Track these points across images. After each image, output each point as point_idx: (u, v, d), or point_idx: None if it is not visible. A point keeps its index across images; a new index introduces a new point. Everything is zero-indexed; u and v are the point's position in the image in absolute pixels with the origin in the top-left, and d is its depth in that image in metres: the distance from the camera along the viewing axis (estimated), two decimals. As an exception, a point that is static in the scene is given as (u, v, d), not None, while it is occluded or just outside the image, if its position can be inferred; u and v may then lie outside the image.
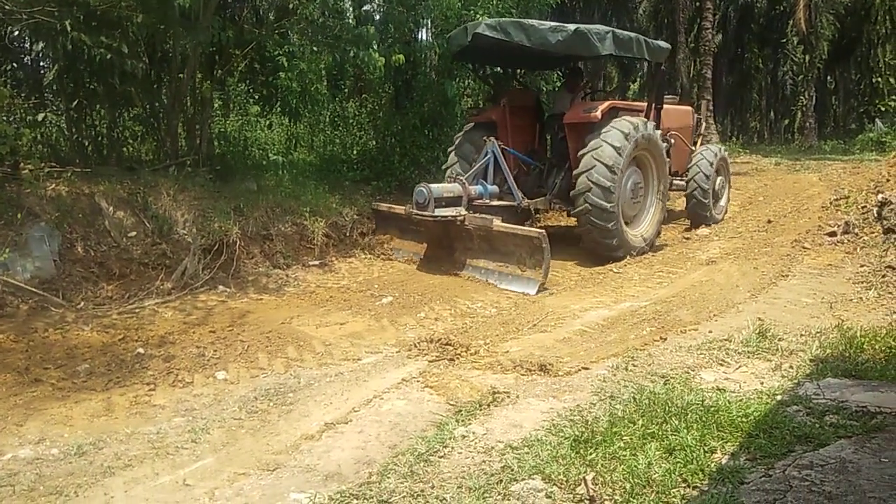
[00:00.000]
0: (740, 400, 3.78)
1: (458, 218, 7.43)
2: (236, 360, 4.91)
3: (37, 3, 6.33)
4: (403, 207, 8.14)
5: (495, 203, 8.27)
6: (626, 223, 8.33)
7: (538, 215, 10.29)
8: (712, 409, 3.62)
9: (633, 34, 8.72)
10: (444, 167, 9.19)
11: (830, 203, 9.49)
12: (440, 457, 3.36)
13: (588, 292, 6.83)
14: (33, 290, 5.85)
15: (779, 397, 3.82)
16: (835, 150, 21.07)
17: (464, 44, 8.26)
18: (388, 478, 3.16)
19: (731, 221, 10.33)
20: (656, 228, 8.78)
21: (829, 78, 33.79)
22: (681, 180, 10.02)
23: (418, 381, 4.45)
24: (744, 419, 3.49)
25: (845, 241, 7.54)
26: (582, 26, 8.00)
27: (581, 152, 7.94)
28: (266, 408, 4.08)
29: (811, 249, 7.61)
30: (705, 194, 9.91)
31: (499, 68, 10.79)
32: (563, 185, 8.64)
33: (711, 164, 10.02)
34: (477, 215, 7.54)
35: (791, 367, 4.35)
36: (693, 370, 4.37)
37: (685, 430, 3.38)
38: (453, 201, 7.73)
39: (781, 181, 13.80)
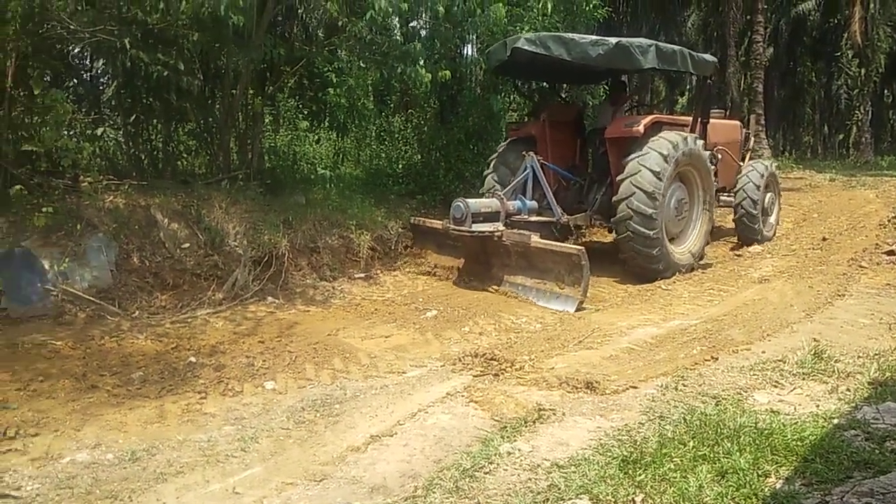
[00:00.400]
0: (795, 423, 3.66)
1: (496, 233, 7.36)
2: (284, 371, 4.99)
3: (98, 23, 6.61)
4: (441, 222, 8.10)
5: (534, 219, 8.20)
6: (671, 240, 8.16)
7: (583, 231, 10.20)
8: (766, 431, 3.51)
9: (677, 47, 8.57)
10: (483, 183, 9.15)
11: (888, 220, 9.19)
12: (485, 473, 3.34)
13: (635, 309, 6.73)
14: (91, 298, 6.06)
15: (836, 421, 3.68)
16: (892, 166, 20.41)
17: (503, 59, 8.20)
18: (434, 492, 3.15)
19: (784, 239, 10.06)
20: (703, 242, 8.60)
21: (885, 92, 32.80)
22: (729, 196, 9.78)
23: (463, 396, 4.44)
24: (799, 443, 3.37)
25: (905, 260, 7.29)
26: (624, 39, 7.89)
27: (619, 177, 7.77)
28: (313, 418, 4.13)
29: (868, 268, 7.37)
30: (754, 210, 9.57)
31: (544, 83, 10.78)
32: (603, 201, 8.47)
33: (761, 179, 9.70)
34: (515, 231, 7.45)
35: (848, 389, 4.20)
36: (746, 391, 4.26)
37: (738, 453, 3.28)
38: (491, 216, 7.66)
39: (836, 197, 13.40)
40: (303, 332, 5.97)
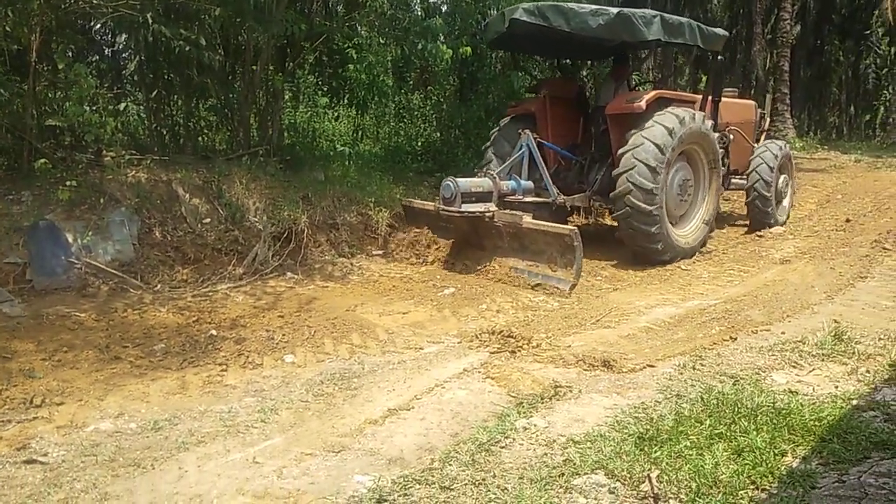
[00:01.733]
0: (813, 403, 3.65)
1: (487, 214, 7.06)
2: (303, 345, 5.05)
3: (120, -3, 6.62)
4: (434, 204, 7.74)
5: (528, 199, 7.87)
6: (673, 223, 7.83)
7: (591, 212, 9.95)
8: (783, 411, 3.51)
9: (684, 19, 8.17)
10: (481, 163, 8.74)
11: (915, 202, 9.04)
12: (501, 447, 3.37)
13: (654, 289, 6.71)
14: (114, 271, 6.15)
15: (854, 402, 3.67)
16: (920, 148, 19.97)
17: (501, 30, 7.84)
18: (450, 465, 3.19)
19: (806, 220, 9.94)
20: (704, 232, 8.21)
21: (915, 71, 31.95)
22: (741, 178, 9.46)
23: (479, 372, 4.47)
24: (817, 423, 3.37)
25: (930, 242, 7.18)
26: (626, 10, 7.53)
27: (621, 150, 7.44)
28: (332, 392, 4.18)
29: (892, 250, 7.29)
30: (767, 193, 9.22)
31: (560, 59, 10.45)
32: (604, 181, 8.06)
33: (774, 161, 9.31)
34: (507, 211, 7.15)
35: (868, 371, 4.17)
36: (764, 371, 4.25)
37: (754, 432, 3.28)
38: (483, 197, 7.30)
39: (861, 179, 13.18)
40: (321, 307, 6.02)
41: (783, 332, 5.04)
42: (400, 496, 2.93)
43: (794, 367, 4.34)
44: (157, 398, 4.09)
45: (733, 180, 9.48)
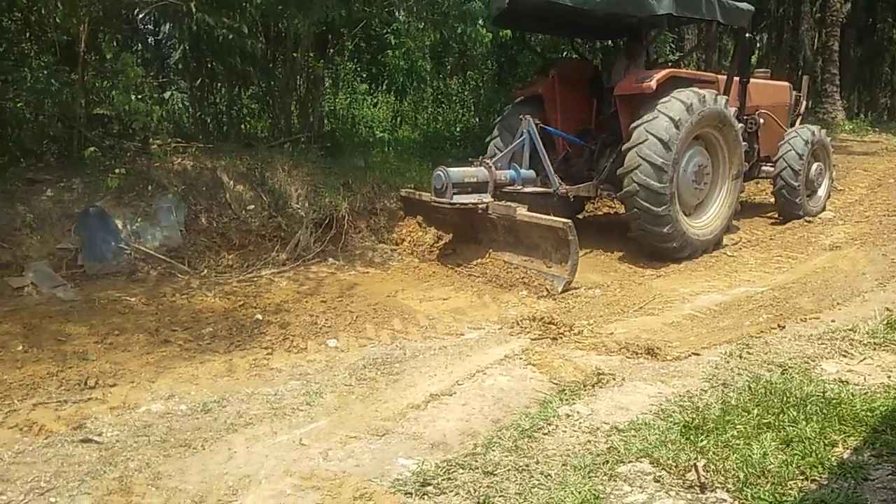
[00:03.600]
0: (865, 393, 3.57)
1: (480, 206, 6.61)
2: (346, 330, 5.11)
3: (165, -14, 6.73)
4: (430, 194, 7.16)
5: (527, 190, 7.24)
6: (688, 214, 7.27)
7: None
8: (834, 401, 3.44)
9: None
10: (486, 151, 8.15)
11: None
12: (544, 434, 3.38)
13: (699, 276, 6.59)
14: (162, 257, 6.30)
15: (908, 392, 3.57)
16: (978, 130, 19.14)
17: (502, 6, 7.30)
18: (493, 450, 3.21)
19: (857, 205, 9.64)
20: (724, 222, 7.55)
21: (974, 49, 30.59)
22: (770, 166, 8.83)
23: (521, 359, 4.47)
24: (868, 413, 3.29)
25: None
26: None
27: (626, 146, 6.90)
28: (374, 376, 4.23)
29: (948, 236, 7.02)
30: (795, 182, 8.51)
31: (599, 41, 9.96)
32: (612, 169, 7.36)
33: (805, 147, 8.56)
34: (501, 203, 6.64)
35: (923, 361, 4.06)
36: (813, 360, 4.16)
37: (804, 422, 3.23)
38: (479, 187, 6.82)
39: (916, 162, 12.72)
40: (363, 293, 6.07)
41: (833, 321, 4.93)
42: (444, 480, 2.96)
43: (844, 356, 4.24)
44: (205, 381, 4.19)
45: (763, 168, 8.93)
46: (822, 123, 18.75)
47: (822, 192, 9.20)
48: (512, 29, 9.57)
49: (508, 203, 6.58)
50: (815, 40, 23.99)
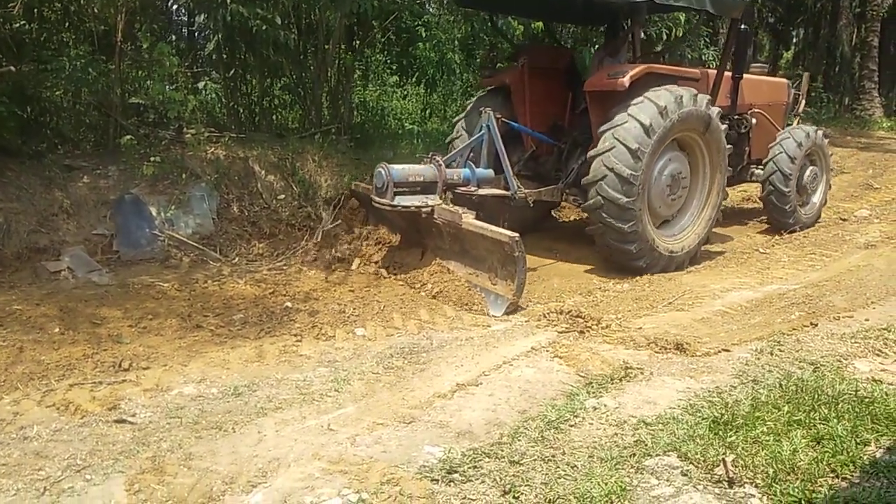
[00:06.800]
0: (900, 393, 3.50)
1: (424, 209, 5.93)
2: (373, 319, 5.14)
3: (200, -22, 6.83)
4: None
5: (484, 191, 6.45)
6: (662, 224, 6.63)
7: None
8: (867, 400, 3.39)
9: None
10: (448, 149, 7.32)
11: None
12: (570, 426, 3.38)
13: (730, 272, 6.51)
14: (194, 244, 6.41)
15: (945, 394, 3.50)
16: None
17: None
18: (519, 440, 3.22)
19: (893, 203, 9.44)
20: (701, 235, 6.76)
21: None
22: (761, 169, 8.05)
23: (547, 351, 4.46)
24: (903, 413, 3.24)
25: None
26: None
27: (591, 153, 6.16)
28: (401, 365, 4.25)
29: None
30: (785, 187, 7.76)
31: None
32: (580, 172, 6.54)
33: (798, 150, 7.82)
34: (449, 207, 5.93)
35: (961, 362, 3.97)
36: (846, 359, 4.09)
37: (835, 420, 3.18)
38: (427, 187, 6.13)
39: (956, 161, 12.41)
40: (389, 283, 6.10)
41: (867, 319, 4.85)
42: (470, 468, 2.98)
43: (878, 355, 4.17)
44: (236, 365, 4.25)
45: (754, 172, 8.20)
46: (859, 121, 18.44)
47: (816, 199, 8.42)
48: (477, 9, 8.79)
49: (456, 208, 5.88)
50: (854, 36, 23.45)
